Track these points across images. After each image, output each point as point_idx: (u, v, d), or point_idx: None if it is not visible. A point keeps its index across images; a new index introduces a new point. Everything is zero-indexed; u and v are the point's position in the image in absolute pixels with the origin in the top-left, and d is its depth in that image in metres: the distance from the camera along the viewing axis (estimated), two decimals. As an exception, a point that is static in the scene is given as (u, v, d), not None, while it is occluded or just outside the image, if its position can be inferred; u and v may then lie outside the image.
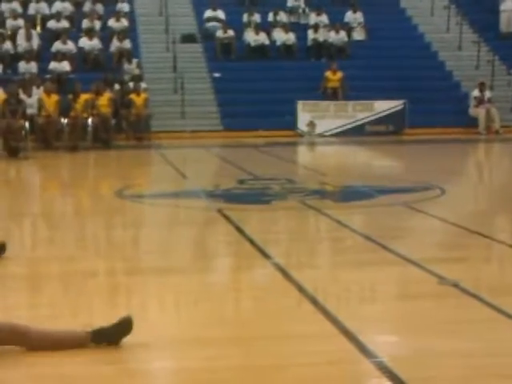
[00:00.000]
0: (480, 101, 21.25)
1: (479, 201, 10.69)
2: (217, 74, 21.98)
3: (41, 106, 17.83)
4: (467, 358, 4.07)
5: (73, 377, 3.87)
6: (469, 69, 23.17)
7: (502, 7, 24.84)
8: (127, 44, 21.64)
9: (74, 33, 22.10)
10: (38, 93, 18.34)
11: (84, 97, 18.01)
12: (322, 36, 23.13)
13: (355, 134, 20.47)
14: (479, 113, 21.09)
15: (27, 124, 16.43)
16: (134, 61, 21.10)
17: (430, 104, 21.32)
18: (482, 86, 21.35)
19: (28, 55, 20.53)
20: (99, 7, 23.33)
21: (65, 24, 22.23)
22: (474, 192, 11.38)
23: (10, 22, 22.05)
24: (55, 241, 7.55)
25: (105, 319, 4.80)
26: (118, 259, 6.67)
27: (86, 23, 22.42)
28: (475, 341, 4.33)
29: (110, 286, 5.77)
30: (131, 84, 19.75)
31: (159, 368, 4.10)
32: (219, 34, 22.84)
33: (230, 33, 22.86)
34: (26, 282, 5.88)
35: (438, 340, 4.32)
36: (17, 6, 22.79)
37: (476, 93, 21.38)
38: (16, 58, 20.76)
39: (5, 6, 22.77)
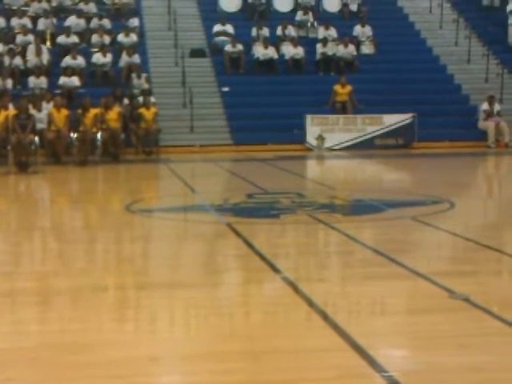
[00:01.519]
0: (489, 114, 21.23)
1: (489, 214, 10.66)
2: (226, 89, 22.03)
3: (50, 120, 17.89)
4: (478, 372, 4.05)
5: (82, 391, 3.87)
6: (478, 82, 23.17)
7: (511, 20, 24.86)
8: (136, 59, 21.73)
9: (84, 48, 22.20)
10: (47, 107, 18.41)
11: (93, 111, 18.07)
12: (330, 50, 23.16)
13: (364, 147, 20.47)
14: (488, 126, 21.06)
15: (37, 139, 16.49)
16: (143, 75, 21.18)
17: (439, 117, 21.33)
18: (491, 99, 21.34)
19: (38, 70, 20.63)
20: (107, 22, 23.44)
21: (74, 39, 22.34)
22: (483, 205, 11.35)
23: (20, 38, 22.18)
24: (65, 255, 7.55)
25: (114, 334, 4.82)
26: (127, 273, 6.68)
27: (95, 38, 22.53)
28: (487, 355, 4.31)
29: (120, 301, 5.77)
30: (140, 98, 19.81)
31: (168, 382, 4.09)
32: (228, 48, 22.90)
33: (239, 47, 22.92)
34: (35, 296, 5.88)
35: (449, 354, 4.30)
36: (27, 21, 22.91)
37: (485, 106, 21.36)
38: (26, 73, 20.86)
39: (15, 22, 22.91)
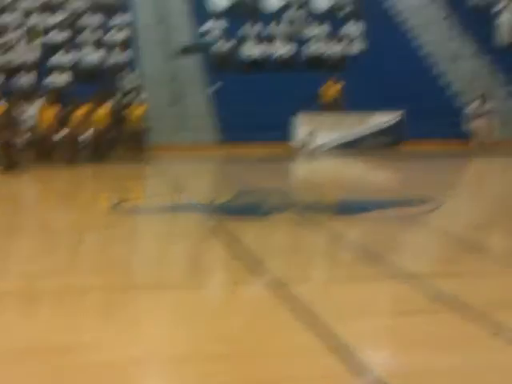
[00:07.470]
0: (479, 113, 21.24)
1: (477, 214, 10.65)
2: (215, 87, 21.98)
3: (39, 118, 17.81)
4: (464, 374, 4.04)
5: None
6: (467, 80, 23.18)
7: (501, 19, 24.92)
8: (127, 55, 21.66)
9: (74, 45, 22.12)
10: (36, 105, 18.33)
11: (82, 110, 18.00)
12: (320, 48, 23.14)
13: (353, 146, 20.46)
14: (478, 125, 21.08)
15: (25, 137, 16.40)
16: (134, 72, 21.11)
17: (429, 116, 21.32)
18: (481, 98, 21.36)
19: (27, 67, 20.55)
20: (99, 18, 23.36)
21: (64, 36, 22.26)
22: (471, 205, 11.35)
23: (10, 34, 22.09)
24: (49, 256, 7.51)
25: (98, 335, 4.78)
26: (112, 274, 6.63)
27: (85, 35, 22.46)
28: (473, 357, 4.29)
29: (104, 302, 5.73)
30: (130, 96, 19.75)
31: (151, 385, 4.07)
32: (218, 45, 22.86)
33: (229, 45, 22.88)
34: (18, 298, 5.84)
35: (435, 356, 4.28)
36: (18, 17, 22.83)
37: (475, 105, 21.38)
38: (16, 70, 20.77)
39: (6, 18, 22.81)
